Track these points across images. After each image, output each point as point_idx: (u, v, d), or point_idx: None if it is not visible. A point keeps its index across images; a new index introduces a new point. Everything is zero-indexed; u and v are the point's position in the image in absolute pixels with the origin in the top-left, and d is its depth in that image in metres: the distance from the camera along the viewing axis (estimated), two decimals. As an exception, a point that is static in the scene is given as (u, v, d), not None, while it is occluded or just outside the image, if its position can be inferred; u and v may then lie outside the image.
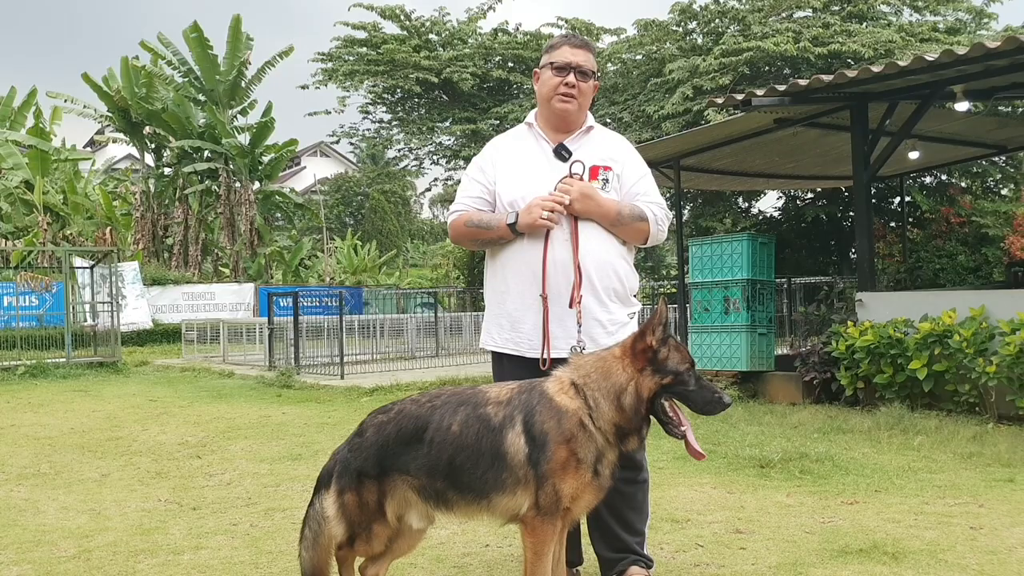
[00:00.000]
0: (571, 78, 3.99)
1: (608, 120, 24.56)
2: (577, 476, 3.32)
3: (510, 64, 29.42)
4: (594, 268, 3.93)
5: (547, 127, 4.12)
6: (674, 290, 19.37)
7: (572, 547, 4.05)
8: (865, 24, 23.04)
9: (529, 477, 3.32)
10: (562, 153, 4.04)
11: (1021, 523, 5.19)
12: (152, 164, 34.92)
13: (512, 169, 4.09)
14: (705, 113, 20.25)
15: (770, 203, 25.06)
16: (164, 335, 24.94)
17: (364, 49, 29.04)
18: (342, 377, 14.48)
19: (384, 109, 31.20)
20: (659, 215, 4.03)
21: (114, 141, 39.85)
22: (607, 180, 4.00)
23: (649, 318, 3.41)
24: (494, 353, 4.19)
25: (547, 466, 3.30)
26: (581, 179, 3.91)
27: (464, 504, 3.45)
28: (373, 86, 29.11)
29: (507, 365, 4.10)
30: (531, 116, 4.21)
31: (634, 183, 4.07)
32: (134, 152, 38.11)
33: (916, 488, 6.14)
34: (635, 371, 3.37)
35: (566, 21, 29.62)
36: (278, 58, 32.44)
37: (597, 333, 3.93)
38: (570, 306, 3.86)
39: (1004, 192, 22.43)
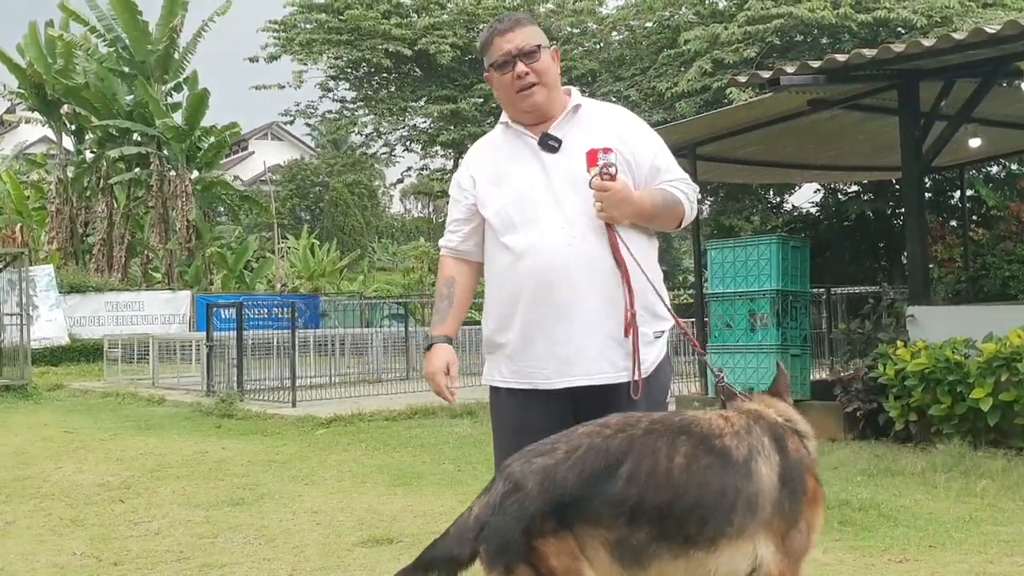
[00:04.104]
0: (519, 67, 3.90)
1: (613, 99, 24.56)
2: (824, 505, 3.37)
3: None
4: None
5: (525, 124, 4.05)
6: (691, 301, 19.38)
7: None
8: (918, -14, 23.14)
9: (775, 517, 3.23)
10: (549, 143, 3.95)
11: (1103, 585, 5.17)
12: (71, 149, 34.84)
13: (494, 177, 4.01)
14: (727, 92, 20.32)
15: (806, 197, 25.18)
16: (83, 353, 24.86)
17: (324, 15, 29.03)
18: (294, 405, 14.42)
19: (348, 86, 31.25)
20: (690, 193, 3.97)
21: (26, 121, 39.84)
22: (609, 163, 3.94)
23: (780, 380, 3.63)
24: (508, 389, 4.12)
25: (802, 498, 3.27)
26: (613, 177, 3.76)
27: (668, 560, 3.19)
28: (335, 58, 29.08)
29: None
30: (505, 116, 4.13)
31: (652, 161, 3.98)
32: (50, 134, 38.08)
33: (978, 543, 6.10)
34: None
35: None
36: (216, 16, 32.09)
37: (616, 355, 3.89)
38: (625, 334, 3.82)
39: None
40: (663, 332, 4.02)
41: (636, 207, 3.82)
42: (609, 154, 3.87)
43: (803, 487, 3.29)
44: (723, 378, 3.74)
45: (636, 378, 3.78)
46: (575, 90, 4.13)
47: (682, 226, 4.07)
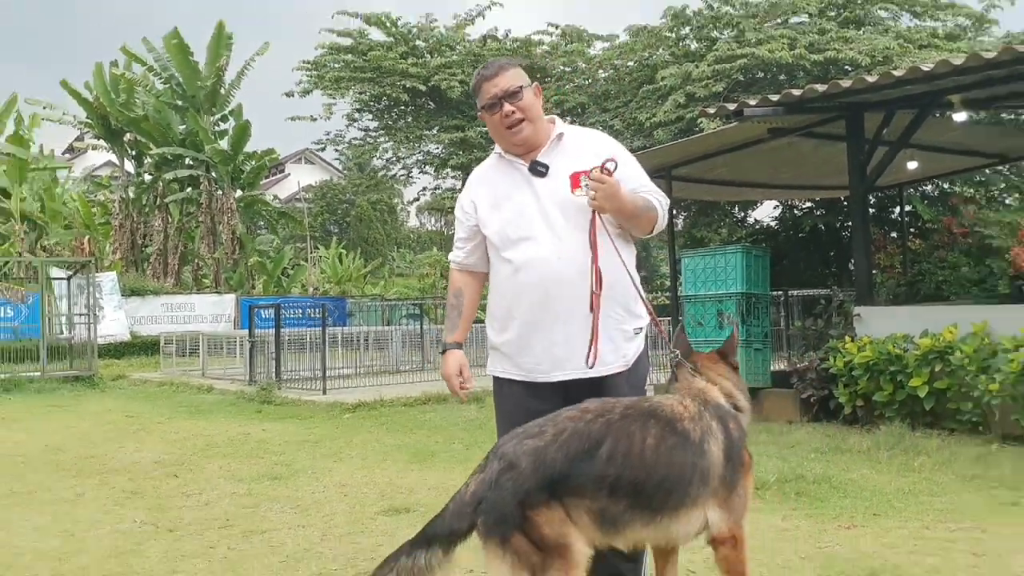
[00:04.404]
0: (506, 108, 3.92)
1: (600, 127, 24.53)
2: (753, 470, 3.53)
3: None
4: (608, 281, 3.86)
5: (515, 154, 4.06)
6: (667, 302, 19.34)
7: None
8: (862, 30, 23.13)
9: (720, 486, 3.35)
10: (538, 169, 3.96)
11: (1025, 548, 5.16)
12: (132, 171, 34.82)
13: (492, 200, 4.05)
14: (698, 121, 20.28)
15: (766, 212, 25.11)
16: (142, 348, 24.83)
17: (350, 56, 28.99)
18: (324, 392, 14.41)
19: (371, 117, 31.19)
20: (662, 202, 3.97)
21: (93, 148, 39.87)
22: (610, 160, 3.93)
23: (729, 342, 3.85)
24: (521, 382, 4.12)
25: (740, 469, 3.41)
26: (611, 173, 3.74)
27: (639, 526, 3.28)
28: (360, 93, 29.02)
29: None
30: (498, 147, 4.15)
31: (628, 178, 3.94)
32: (114, 159, 38.01)
33: (916, 512, 6.10)
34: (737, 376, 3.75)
35: (557, 27, 29.65)
36: (255, 58, 32.28)
37: (604, 352, 3.90)
38: (590, 309, 3.81)
39: (1009, 202, 22.47)
40: (642, 329, 4.03)
41: (622, 203, 3.79)
42: (610, 163, 3.88)
43: (741, 460, 3.42)
44: (678, 354, 3.81)
45: (593, 347, 3.79)
46: (558, 119, 4.12)
47: (654, 232, 4.04)
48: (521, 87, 3.95)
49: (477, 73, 4.07)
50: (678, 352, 3.82)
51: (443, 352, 4.11)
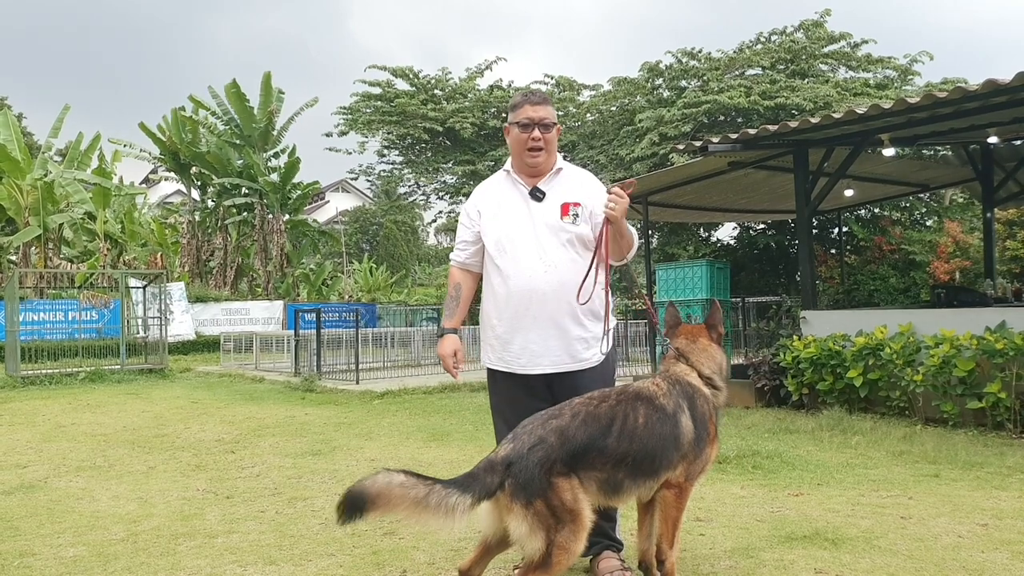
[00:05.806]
0: (536, 133, 3.94)
1: (587, 163, 24.60)
2: (717, 442, 3.64)
3: (504, 115, 29.40)
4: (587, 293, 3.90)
5: (522, 174, 4.06)
6: (644, 307, 19.27)
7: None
8: (806, 80, 23.11)
9: (690, 451, 3.46)
10: (537, 194, 3.99)
11: (945, 513, 5.13)
12: (197, 199, 34.88)
13: (494, 213, 4.07)
14: (669, 156, 20.27)
15: (727, 232, 25.11)
16: (205, 345, 24.80)
17: (379, 103, 29.04)
18: (357, 382, 14.34)
19: (397, 152, 31.20)
20: (635, 235, 4.03)
21: (165, 179, 40.08)
22: (577, 215, 3.93)
23: (713, 314, 3.88)
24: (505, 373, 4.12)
25: (706, 439, 3.51)
26: (628, 191, 3.84)
27: (633, 488, 3.40)
28: (388, 133, 29.06)
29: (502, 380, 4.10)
30: (508, 164, 4.15)
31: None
32: (182, 189, 38.08)
33: (853, 482, 6.07)
34: (722, 350, 3.80)
35: (552, 78, 29.66)
36: (305, 108, 32.51)
37: (577, 350, 3.92)
38: (600, 301, 3.95)
39: (929, 224, 22.48)
40: (611, 330, 4.09)
41: (622, 222, 3.86)
42: (577, 207, 3.98)
43: (707, 432, 3.53)
44: (668, 343, 3.94)
45: (606, 329, 3.98)
46: (559, 155, 4.15)
47: (626, 259, 4.08)
48: (553, 123, 4.01)
49: (523, 95, 4.08)
50: (668, 340, 3.93)
51: (441, 336, 4.12)
